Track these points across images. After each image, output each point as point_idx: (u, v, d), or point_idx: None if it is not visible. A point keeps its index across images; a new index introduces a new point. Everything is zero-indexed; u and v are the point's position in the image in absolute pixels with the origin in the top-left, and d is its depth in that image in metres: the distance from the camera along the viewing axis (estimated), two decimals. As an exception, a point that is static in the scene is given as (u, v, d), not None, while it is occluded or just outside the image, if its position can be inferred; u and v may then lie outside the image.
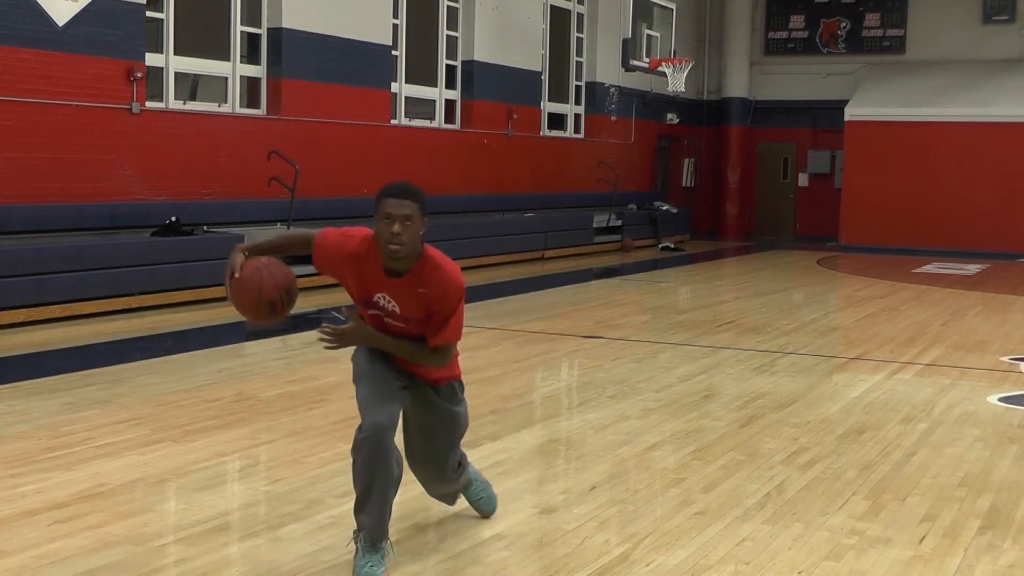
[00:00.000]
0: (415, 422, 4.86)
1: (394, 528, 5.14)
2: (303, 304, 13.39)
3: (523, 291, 15.47)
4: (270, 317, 4.68)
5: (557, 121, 22.97)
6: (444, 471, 4.98)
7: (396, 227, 4.37)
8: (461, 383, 4.92)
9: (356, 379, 4.69)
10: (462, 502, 5.32)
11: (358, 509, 4.57)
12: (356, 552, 4.56)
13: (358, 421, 4.55)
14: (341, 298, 13.22)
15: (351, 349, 4.80)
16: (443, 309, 4.52)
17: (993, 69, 25.43)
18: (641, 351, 10.51)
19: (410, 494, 5.60)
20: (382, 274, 4.54)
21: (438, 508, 5.42)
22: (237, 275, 4.59)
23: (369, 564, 4.48)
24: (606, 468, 6.34)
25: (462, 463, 5.10)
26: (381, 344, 4.64)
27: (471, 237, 17.81)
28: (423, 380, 4.77)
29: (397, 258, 4.44)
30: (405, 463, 4.81)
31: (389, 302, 4.58)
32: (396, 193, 4.44)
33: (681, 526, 5.29)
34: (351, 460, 4.56)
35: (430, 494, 5.19)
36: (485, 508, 5.32)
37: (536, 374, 9.58)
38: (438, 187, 18.04)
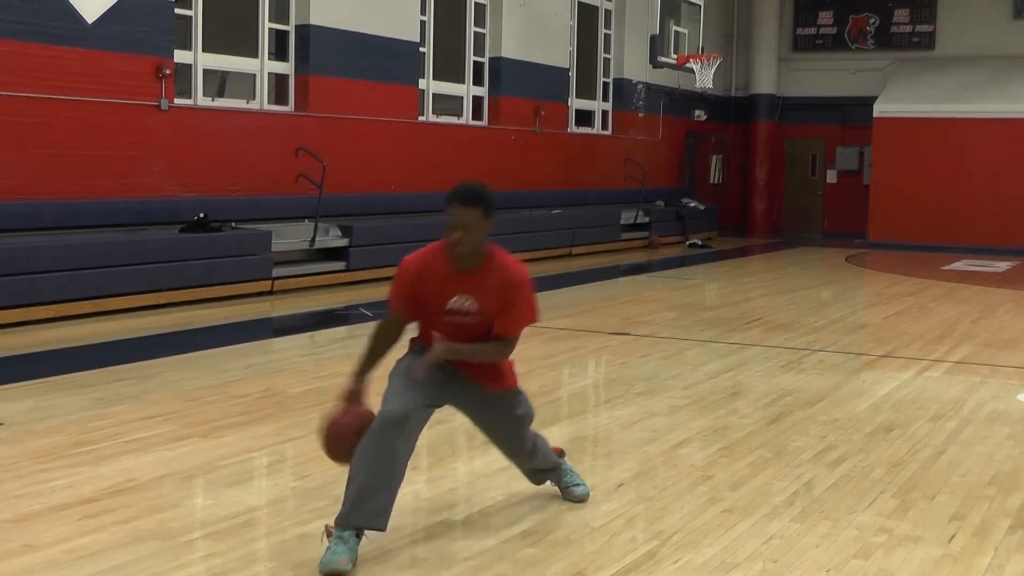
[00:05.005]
0: (484, 429, 5.29)
1: (422, 524, 5.16)
2: (331, 301, 13.43)
3: (550, 288, 15.45)
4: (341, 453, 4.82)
5: (584, 118, 22.93)
6: (522, 457, 5.36)
7: (456, 234, 4.71)
8: (519, 387, 5.22)
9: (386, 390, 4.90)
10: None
11: (346, 492, 4.68)
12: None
13: (386, 418, 4.61)
14: (366, 295, 13.29)
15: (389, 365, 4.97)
16: (516, 298, 4.84)
17: (1023, 65, 25.24)
18: (668, 348, 10.49)
19: (437, 491, 5.62)
20: (452, 275, 4.79)
21: (465, 505, 5.43)
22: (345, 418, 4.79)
23: (329, 551, 4.53)
24: (633, 465, 6.33)
25: (536, 444, 5.35)
26: (461, 352, 4.83)
27: (498, 233, 17.60)
28: (488, 390, 5.05)
29: (459, 257, 4.75)
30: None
31: (466, 301, 4.80)
32: (458, 199, 4.76)
33: (708, 523, 5.27)
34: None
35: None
36: (582, 494, 5.53)
37: (563, 371, 9.57)
38: (465, 184, 18.03)
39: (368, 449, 4.61)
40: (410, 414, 4.69)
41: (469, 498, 5.56)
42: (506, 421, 5.18)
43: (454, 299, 4.80)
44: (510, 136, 19.56)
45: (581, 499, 5.51)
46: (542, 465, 5.43)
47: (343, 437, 4.72)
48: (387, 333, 5.00)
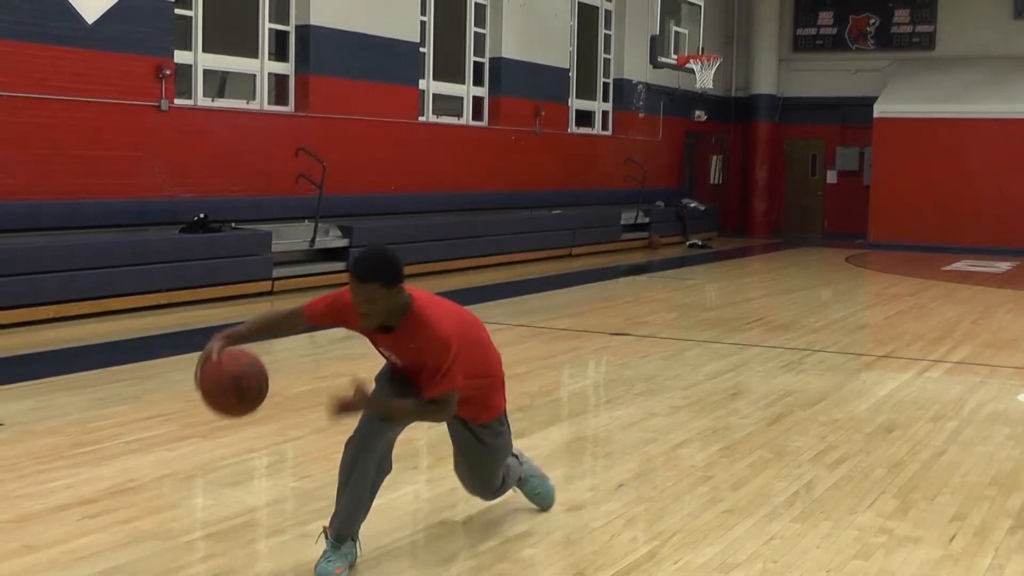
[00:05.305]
0: (458, 450, 5.01)
1: (422, 524, 5.16)
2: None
3: (550, 288, 15.46)
4: (236, 400, 4.53)
5: (585, 118, 22.93)
6: (486, 491, 5.13)
7: (361, 308, 4.43)
8: (503, 417, 5.02)
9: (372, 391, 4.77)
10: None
11: (336, 502, 4.65)
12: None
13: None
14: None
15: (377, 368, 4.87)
16: (433, 363, 4.51)
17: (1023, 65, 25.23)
18: (668, 348, 10.49)
19: (438, 490, 5.62)
20: (372, 331, 4.59)
21: (465, 505, 5.43)
22: (213, 359, 4.58)
23: (326, 559, 4.52)
24: (633, 466, 6.33)
25: (506, 481, 5.16)
26: (386, 410, 4.62)
27: (498, 234, 17.82)
28: (466, 418, 4.86)
29: (369, 327, 4.52)
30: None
31: (391, 354, 4.65)
32: (358, 274, 4.40)
33: (709, 524, 5.27)
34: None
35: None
36: (543, 503, 5.39)
37: (563, 371, 9.57)
38: (465, 184, 18.07)
39: (354, 456, 4.58)
40: (390, 423, 4.67)
41: (469, 498, 5.54)
42: (479, 448, 4.95)
43: (380, 347, 4.65)
44: (510, 136, 19.56)
45: (548, 504, 5.39)
46: (505, 490, 5.28)
47: (224, 383, 4.53)
48: (283, 324, 4.89)
